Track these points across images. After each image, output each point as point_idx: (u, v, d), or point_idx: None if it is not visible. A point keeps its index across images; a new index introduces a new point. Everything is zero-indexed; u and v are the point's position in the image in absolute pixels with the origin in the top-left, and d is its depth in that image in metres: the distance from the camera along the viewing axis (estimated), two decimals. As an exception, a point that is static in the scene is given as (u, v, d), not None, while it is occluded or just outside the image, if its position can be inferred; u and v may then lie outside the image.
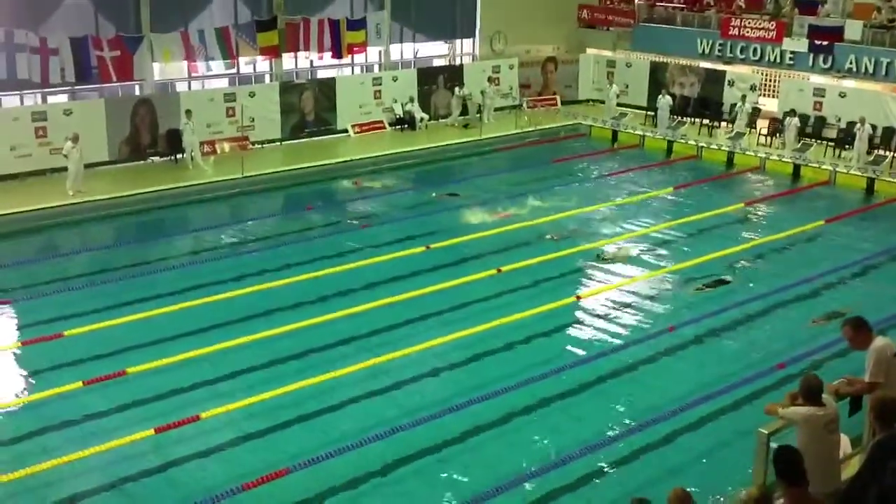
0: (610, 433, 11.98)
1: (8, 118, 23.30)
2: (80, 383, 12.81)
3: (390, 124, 29.98)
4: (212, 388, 13.02)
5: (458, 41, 33.84)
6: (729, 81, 30.31)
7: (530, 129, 30.05)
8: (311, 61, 29.80)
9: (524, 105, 32.27)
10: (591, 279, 17.46)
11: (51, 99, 25.40)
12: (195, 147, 24.56)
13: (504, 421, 12.26)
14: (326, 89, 28.94)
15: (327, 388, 12.87)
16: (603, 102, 31.82)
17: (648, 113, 30.92)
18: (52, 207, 21.07)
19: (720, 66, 31.21)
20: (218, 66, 28.20)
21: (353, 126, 29.24)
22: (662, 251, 19.28)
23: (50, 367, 13.55)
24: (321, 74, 30.29)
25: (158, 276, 17.37)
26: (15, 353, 14.21)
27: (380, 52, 31.59)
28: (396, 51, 32.11)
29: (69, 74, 24.01)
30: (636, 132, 29.33)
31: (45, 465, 10.83)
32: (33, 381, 13.27)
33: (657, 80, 32.02)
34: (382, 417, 12.21)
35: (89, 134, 23.17)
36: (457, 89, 30.87)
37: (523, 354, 14.33)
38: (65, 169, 21.95)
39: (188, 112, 24.50)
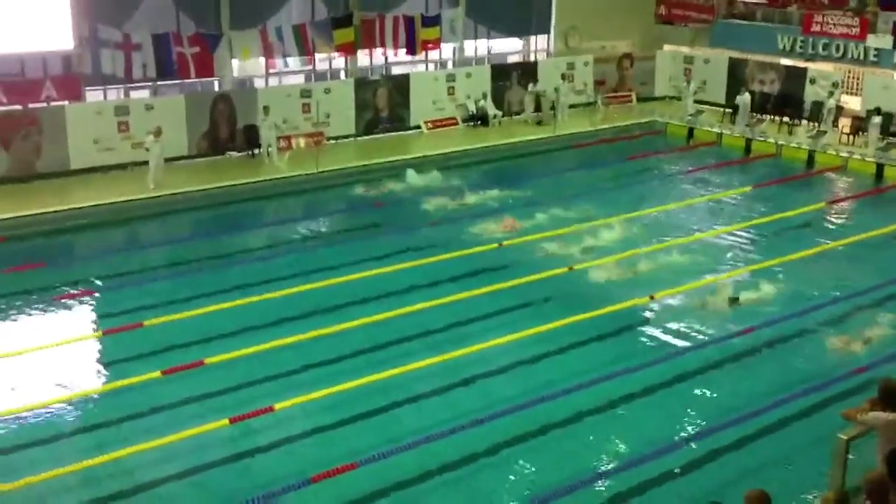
0: (682, 435, 11.80)
1: (92, 112, 23.94)
2: (158, 373, 13.09)
3: (463, 121, 29.97)
4: (285, 380, 13.17)
5: (532, 37, 33.70)
6: (810, 79, 29.58)
7: (605, 127, 29.76)
8: (386, 58, 29.96)
9: (599, 102, 31.96)
10: (663, 279, 17.20)
11: (133, 94, 26.04)
12: (272, 143, 24.89)
13: (573, 420, 12.17)
14: (400, 86, 29.06)
15: (397, 384, 12.92)
16: (680, 99, 31.34)
17: (727, 110, 30.34)
18: (133, 200, 21.58)
19: (801, 63, 30.47)
20: (294, 62, 28.61)
21: (425, 122, 29.32)
22: (739, 250, 18.94)
23: (130, 356, 13.87)
24: (395, 71, 30.43)
25: (234, 269, 17.66)
26: (97, 342, 14.61)
27: (454, 48, 31.63)
28: (470, 47, 32.10)
29: (151, 70, 24.61)
30: (713, 129, 28.82)
31: (124, 452, 11.09)
32: (114, 370, 13.60)
33: (736, 76, 31.41)
34: (453, 413, 12.20)
35: (170, 129, 23.67)
36: (530, 86, 30.72)
37: (596, 352, 14.21)
38: (145, 163, 22.45)
39: (266, 108, 24.81)
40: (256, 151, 25.58)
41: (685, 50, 33.98)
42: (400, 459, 11.07)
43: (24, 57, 23.39)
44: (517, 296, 16.08)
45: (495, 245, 18.60)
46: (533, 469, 11.07)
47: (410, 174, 23.41)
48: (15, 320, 15.37)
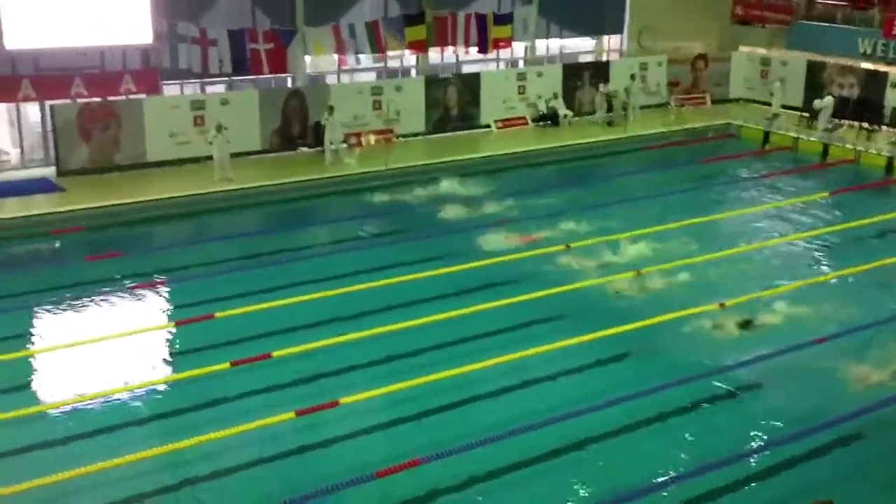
0: (755, 443, 11.60)
1: (168, 106, 24.43)
2: (227, 364, 13.31)
3: (533, 120, 29.85)
4: (351, 374, 13.29)
5: (605, 37, 33.42)
6: (892, 83, 28.73)
7: (677, 129, 29.35)
8: (457, 56, 30.00)
9: (672, 103, 31.55)
10: (742, 283, 16.84)
11: (209, 89, 26.51)
12: (336, 142, 24.78)
13: (659, 419, 12.11)
14: (470, 84, 29.06)
15: (465, 381, 12.92)
16: (757, 102, 30.74)
17: (803, 114, 29.66)
18: (206, 194, 21.96)
19: (882, 67, 29.63)
20: (365, 59, 28.81)
21: (495, 121, 29.27)
22: (808, 259, 18.55)
23: (200, 347, 14.13)
24: (466, 69, 30.44)
25: (302, 264, 17.86)
26: (168, 333, 14.91)
27: (525, 47, 31.52)
28: (542, 46, 31.95)
29: (226, 66, 25.04)
30: (789, 134, 28.20)
31: (192, 441, 11.29)
32: (185, 360, 13.86)
33: (814, 80, 30.70)
34: (520, 412, 12.15)
35: (243, 124, 24.05)
36: (601, 86, 30.45)
37: (675, 353, 14.04)
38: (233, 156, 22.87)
39: (330, 108, 24.74)
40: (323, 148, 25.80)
41: (762, 51, 33.31)
42: (464, 458, 11.05)
43: (105, 50, 23.98)
44: (586, 297, 15.99)
45: (563, 247, 18.45)
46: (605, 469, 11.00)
47: (455, 181, 23.23)
48: (91, 308, 15.75)
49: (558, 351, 13.88)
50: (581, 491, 10.66)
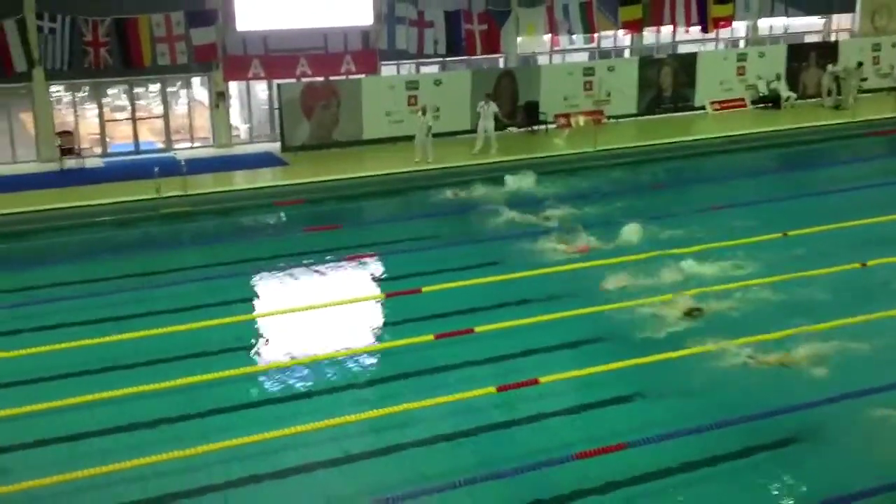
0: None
1: (385, 86, 25.25)
2: (431, 336, 13.65)
3: (752, 102, 28.65)
4: (551, 354, 13.26)
5: (834, 16, 31.48)
6: None
7: (911, 114, 27.35)
8: (674, 35, 29.20)
9: (906, 86, 29.41)
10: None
11: (423, 69, 27.16)
12: (489, 129, 24.11)
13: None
14: (686, 64, 28.25)
15: (672, 367, 12.58)
16: None
17: None
18: (416, 171, 22.55)
19: None
20: (577, 39, 28.56)
21: (711, 103, 28.31)
22: None
23: (406, 319, 14.57)
24: (682, 49, 29.58)
25: (514, 243, 17.91)
26: (377, 304, 15.47)
27: (747, 26, 30.24)
28: (765, 25, 30.52)
29: (441, 47, 25.57)
30: None
31: (396, 408, 11.62)
32: (392, 331, 14.34)
33: None
34: (728, 401, 11.71)
35: (455, 104, 24.51)
36: (829, 67, 28.73)
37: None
38: (433, 136, 23.34)
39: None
40: (537, 128, 25.86)
41: None
42: (668, 446, 10.78)
43: (328, 32, 25.06)
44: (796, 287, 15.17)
45: (779, 234, 17.58)
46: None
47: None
48: (308, 277, 16.59)
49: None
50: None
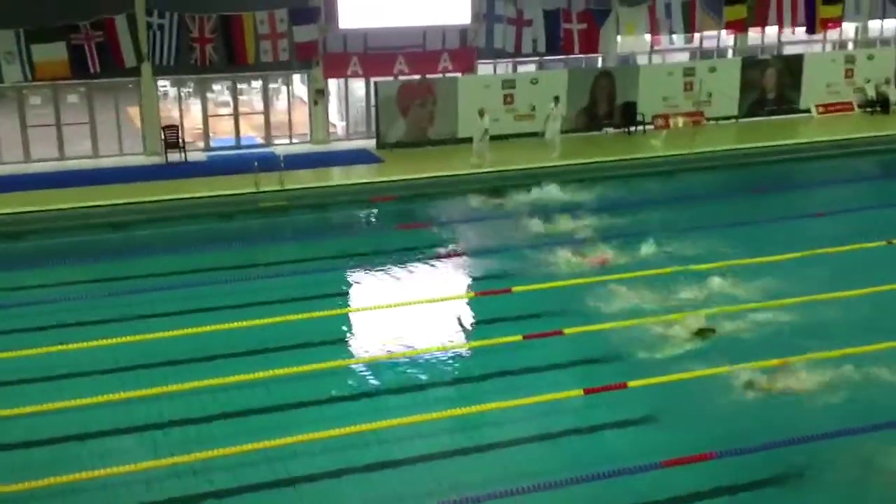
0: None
1: (481, 85, 25.25)
2: (519, 336, 13.63)
3: (859, 106, 27.70)
4: (637, 360, 13.05)
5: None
6: None
7: None
8: (779, 36, 28.45)
9: None
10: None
11: (520, 68, 27.09)
12: (555, 135, 23.72)
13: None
14: (792, 66, 27.48)
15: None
16: None
17: None
18: (509, 170, 22.47)
19: None
20: (677, 39, 28.06)
21: (816, 106, 27.48)
22: None
23: (494, 318, 14.57)
24: (787, 50, 28.80)
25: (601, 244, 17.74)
26: (467, 303, 15.51)
27: (856, 27, 29.25)
28: (875, 26, 29.47)
29: (539, 45, 25.48)
30: None
31: (483, 407, 11.63)
32: (481, 330, 14.36)
33: None
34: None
35: (550, 103, 24.32)
36: (944, 71, 27.64)
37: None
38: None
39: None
40: (633, 129, 25.54)
41: None
42: (754, 459, 10.54)
43: (427, 30, 25.21)
44: None
45: (883, 243, 16.97)
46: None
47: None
48: (399, 274, 16.72)
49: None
50: None
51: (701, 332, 13.40)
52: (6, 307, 15.04)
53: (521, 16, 25.30)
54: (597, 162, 23.17)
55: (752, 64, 27.38)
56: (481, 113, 22.98)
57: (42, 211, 19.91)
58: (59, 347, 13.33)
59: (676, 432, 11.20)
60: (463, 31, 25.63)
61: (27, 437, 11.10)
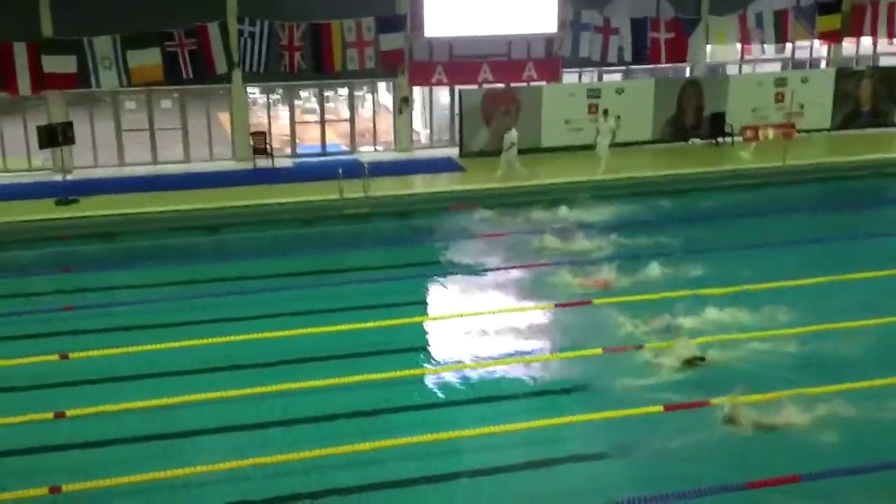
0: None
1: (566, 93, 25.15)
2: (600, 350, 13.49)
3: (960, 119, 26.71)
4: (726, 373, 12.78)
5: None
6: None
7: None
8: (875, 46, 27.63)
9: None
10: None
11: (605, 77, 26.87)
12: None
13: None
14: (888, 78, 26.64)
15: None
16: None
17: None
18: (588, 181, 22.27)
19: None
20: (768, 49, 27.52)
21: (913, 119, 26.61)
22: None
23: (576, 330, 14.46)
24: (884, 62, 27.94)
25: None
26: (547, 314, 15.37)
27: (958, 38, 28.22)
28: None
29: (626, 54, 25.25)
30: None
31: (560, 420, 11.56)
32: (563, 340, 14.23)
33: None
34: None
35: (636, 113, 24.09)
36: None
37: None
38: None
39: (606, 111, 23.38)
40: (721, 140, 25.10)
41: None
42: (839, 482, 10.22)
43: (512, 39, 25.20)
44: None
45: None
46: None
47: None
48: (480, 283, 16.72)
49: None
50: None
51: None
52: (100, 307, 15.54)
53: (608, 24, 25.11)
54: (677, 173, 22.78)
55: (846, 75, 26.64)
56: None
57: (135, 214, 20.51)
58: (146, 347, 13.68)
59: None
60: (549, 40, 25.53)
61: (113, 435, 11.43)
